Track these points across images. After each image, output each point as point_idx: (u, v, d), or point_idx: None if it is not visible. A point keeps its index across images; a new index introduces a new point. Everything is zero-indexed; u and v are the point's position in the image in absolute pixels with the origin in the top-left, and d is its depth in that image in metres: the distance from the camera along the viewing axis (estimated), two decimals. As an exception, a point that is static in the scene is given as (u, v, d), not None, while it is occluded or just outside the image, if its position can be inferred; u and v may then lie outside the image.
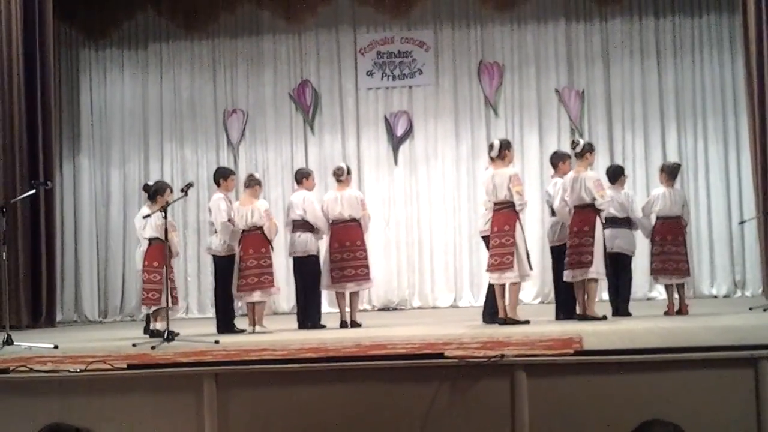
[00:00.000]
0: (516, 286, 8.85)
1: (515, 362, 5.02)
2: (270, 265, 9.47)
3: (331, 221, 9.67)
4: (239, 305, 10.46)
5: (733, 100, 13.54)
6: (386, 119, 14.21)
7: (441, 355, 5.21)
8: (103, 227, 14.39)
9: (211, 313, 13.99)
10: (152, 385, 5.26)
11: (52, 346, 7.44)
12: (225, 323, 9.57)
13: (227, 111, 14.43)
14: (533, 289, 13.63)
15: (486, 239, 9.17)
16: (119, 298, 14.23)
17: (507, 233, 8.72)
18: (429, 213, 14.05)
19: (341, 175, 9.79)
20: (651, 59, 13.82)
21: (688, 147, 13.69)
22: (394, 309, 13.70)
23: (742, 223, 12.47)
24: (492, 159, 9.04)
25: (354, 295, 9.76)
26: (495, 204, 8.85)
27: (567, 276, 8.96)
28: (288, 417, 5.10)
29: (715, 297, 13.19)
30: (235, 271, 9.51)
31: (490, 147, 9.12)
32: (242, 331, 9.37)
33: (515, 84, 14.09)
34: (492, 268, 8.83)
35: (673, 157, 13.10)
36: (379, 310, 13.51)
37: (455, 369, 5.04)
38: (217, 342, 7.44)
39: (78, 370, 5.36)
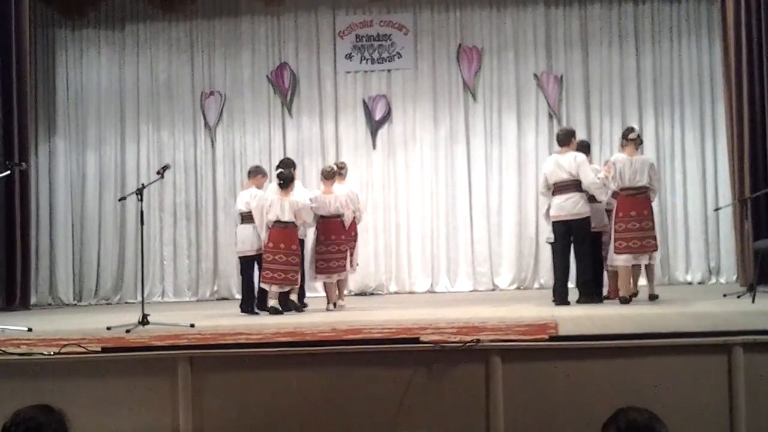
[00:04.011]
0: (651, 267, 9.32)
1: (490, 347, 5.03)
2: (346, 251, 10.12)
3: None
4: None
5: (710, 87, 13.56)
6: (365, 103, 14.15)
7: (417, 340, 5.21)
8: (79, 209, 14.25)
9: (187, 296, 14.02)
10: (126, 368, 5.24)
11: (26, 329, 7.38)
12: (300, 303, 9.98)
13: (204, 93, 14.31)
14: (509, 275, 13.68)
15: (574, 223, 9.10)
16: (94, 281, 14.11)
17: (647, 217, 9.07)
18: (407, 198, 14.01)
19: (343, 170, 10.72)
20: (629, 45, 13.82)
21: (665, 133, 13.71)
22: (371, 294, 13.69)
23: (717, 209, 12.52)
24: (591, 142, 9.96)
25: (341, 281, 10.48)
26: (629, 189, 9.03)
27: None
28: (263, 401, 5.10)
29: (690, 283, 13.24)
30: (311, 254, 10.10)
31: (630, 130, 9.37)
32: (302, 311, 9.88)
33: (494, 68, 14.05)
34: (629, 250, 8.95)
35: (649, 143, 13.11)
36: (356, 294, 13.48)
37: (431, 354, 5.05)
38: (192, 326, 7.41)
39: (51, 353, 5.32)
